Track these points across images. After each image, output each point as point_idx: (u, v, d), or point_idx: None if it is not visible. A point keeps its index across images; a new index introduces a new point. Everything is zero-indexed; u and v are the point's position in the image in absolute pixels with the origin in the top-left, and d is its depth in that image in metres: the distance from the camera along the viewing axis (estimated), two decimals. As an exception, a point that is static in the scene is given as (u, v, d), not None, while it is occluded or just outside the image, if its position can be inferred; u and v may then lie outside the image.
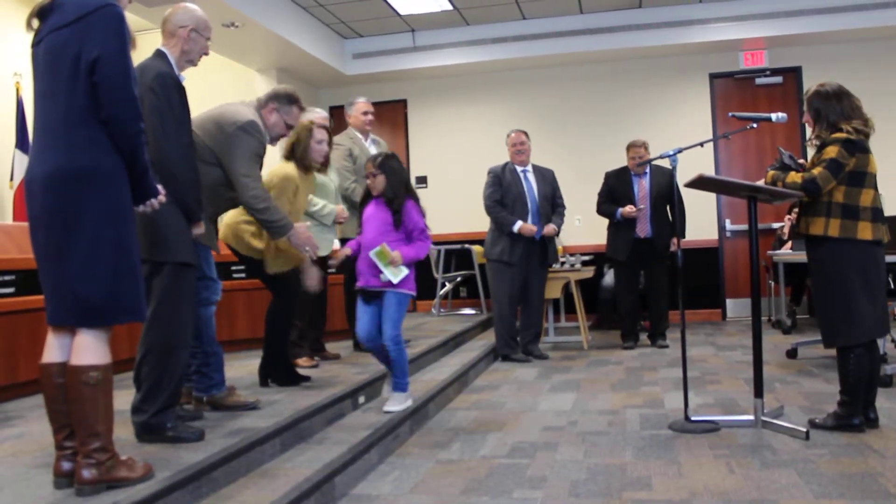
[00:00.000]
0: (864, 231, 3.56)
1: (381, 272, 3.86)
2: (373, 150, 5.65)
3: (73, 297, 2.39)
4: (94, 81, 2.36)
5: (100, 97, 2.37)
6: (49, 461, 2.59)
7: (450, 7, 7.95)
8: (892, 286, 5.70)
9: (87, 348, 2.41)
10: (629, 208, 6.51)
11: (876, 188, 3.66)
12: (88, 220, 2.38)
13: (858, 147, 3.58)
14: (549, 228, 6.23)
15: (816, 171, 3.59)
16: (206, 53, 3.39)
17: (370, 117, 5.74)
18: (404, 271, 3.90)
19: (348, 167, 5.46)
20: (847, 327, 3.60)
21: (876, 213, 3.61)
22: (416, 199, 4.04)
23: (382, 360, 4.09)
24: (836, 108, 3.68)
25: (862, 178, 3.60)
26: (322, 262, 4.44)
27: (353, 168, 5.46)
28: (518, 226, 6.10)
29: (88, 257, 2.38)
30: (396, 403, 4.00)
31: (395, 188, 3.94)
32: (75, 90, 2.38)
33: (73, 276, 2.38)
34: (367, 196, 4.09)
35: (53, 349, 2.49)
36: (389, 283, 3.88)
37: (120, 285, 2.43)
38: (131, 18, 6.43)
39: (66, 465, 2.46)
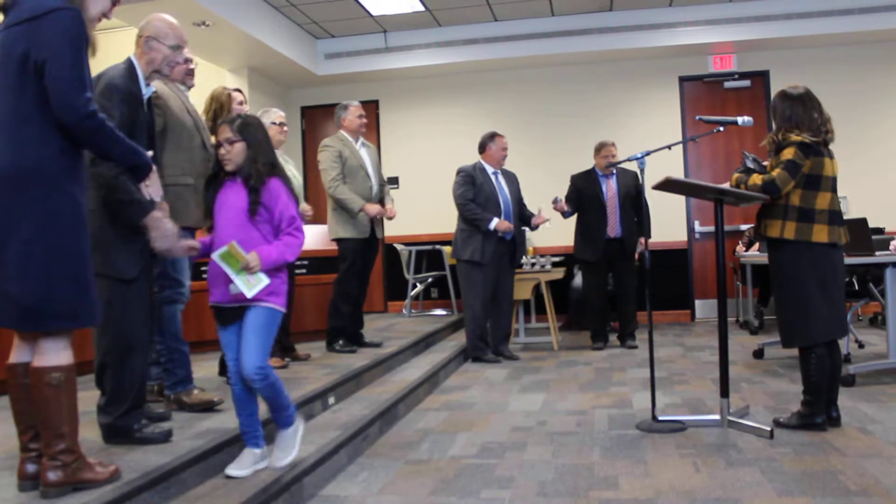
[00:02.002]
0: (820, 234, 3.62)
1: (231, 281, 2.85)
2: (363, 154, 5.68)
3: (7, 299, 2.34)
4: (43, 85, 2.32)
5: (50, 101, 2.33)
6: (13, 464, 2.57)
7: (422, 8, 7.95)
8: (856, 287, 5.79)
9: (49, 350, 2.38)
10: (554, 202, 6.54)
11: (834, 191, 3.71)
12: (25, 221, 2.32)
13: (813, 150, 3.64)
14: (541, 217, 6.31)
15: (775, 172, 3.65)
16: (176, 63, 3.25)
17: (365, 121, 5.79)
18: (264, 280, 2.86)
19: (336, 167, 5.48)
20: (803, 328, 3.66)
21: (833, 215, 3.66)
22: (286, 181, 3.01)
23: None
24: (786, 112, 3.74)
25: (818, 181, 3.65)
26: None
27: (341, 169, 5.52)
28: (494, 223, 6.05)
29: (21, 259, 2.32)
30: (286, 448, 3.05)
31: (254, 162, 2.92)
32: (24, 88, 2.34)
33: (7, 276, 2.33)
34: (213, 180, 3.03)
35: (19, 350, 2.47)
36: (243, 297, 2.86)
37: (54, 290, 2.35)
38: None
39: (31, 468, 2.44)
